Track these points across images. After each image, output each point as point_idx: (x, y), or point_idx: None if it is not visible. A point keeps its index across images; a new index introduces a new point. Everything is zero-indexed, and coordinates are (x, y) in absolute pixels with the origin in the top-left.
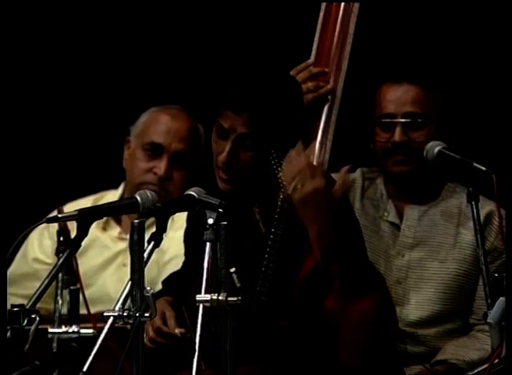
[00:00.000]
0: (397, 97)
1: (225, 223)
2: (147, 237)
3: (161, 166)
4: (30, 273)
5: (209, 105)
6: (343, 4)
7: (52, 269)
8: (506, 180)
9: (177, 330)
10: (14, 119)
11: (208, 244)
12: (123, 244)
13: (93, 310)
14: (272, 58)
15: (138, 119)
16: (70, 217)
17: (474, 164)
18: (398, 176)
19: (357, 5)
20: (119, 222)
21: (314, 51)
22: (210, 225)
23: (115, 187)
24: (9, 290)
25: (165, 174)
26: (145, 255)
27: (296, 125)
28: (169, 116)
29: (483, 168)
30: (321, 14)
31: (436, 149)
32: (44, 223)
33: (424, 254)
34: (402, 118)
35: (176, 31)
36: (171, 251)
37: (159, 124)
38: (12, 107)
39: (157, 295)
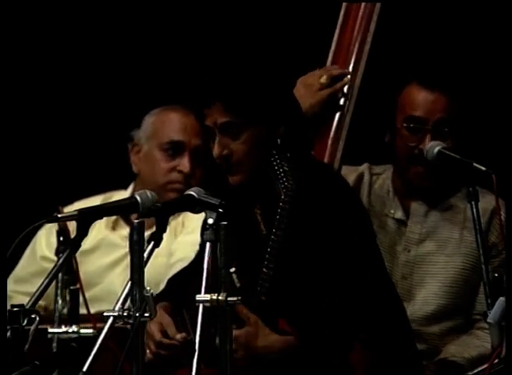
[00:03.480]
0: (430, 102)
1: (225, 223)
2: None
3: (185, 163)
4: (39, 271)
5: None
6: (363, 4)
7: (52, 269)
8: (506, 180)
9: (178, 336)
10: (17, 119)
11: (207, 244)
12: None
13: (99, 308)
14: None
15: (143, 123)
16: (70, 217)
17: (474, 164)
18: (417, 188)
19: (378, 6)
20: (128, 222)
21: (332, 51)
22: (210, 225)
23: (120, 187)
24: (18, 288)
25: (191, 171)
26: (145, 254)
27: (276, 97)
28: (180, 114)
29: (483, 168)
30: (342, 13)
31: (436, 149)
32: (44, 222)
33: (431, 249)
34: (433, 125)
35: (179, 37)
36: (178, 253)
37: (173, 122)
38: (16, 107)
39: (160, 295)
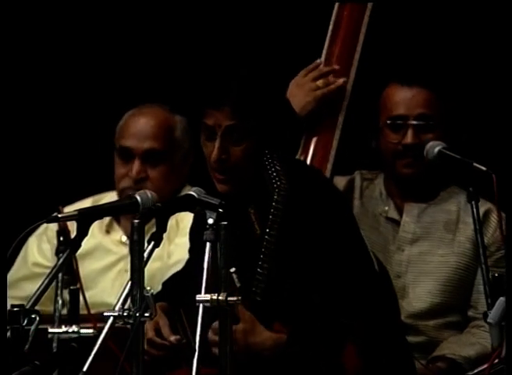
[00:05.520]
0: (408, 99)
1: (225, 223)
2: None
3: (132, 169)
4: (29, 275)
5: (193, 105)
6: (356, 4)
7: (52, 269)
8: (506, 180)
9: (172, 338)
10: (15, 120)
11: (207, 244)
12: (126, 249)
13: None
14: (271, 59)
15: None
16: (70, 217)
17: (474, 164)
18: (406, 178)
19: (370, 6)
20: (122, 226)
21: (324, 51)
22: (210, 225)
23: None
24: (8, 293)
25: (136, 175)
26: (145, 254)
27: (281, 111)
28: (138, 117)
29: (483, 168)
30: (334, 14)
31: (436, 149)
32: (44, 222)
33: (425, 249)
34: (414, 120)
35: (175, 34)
36: (175, 256)
37: (128, 127)
38: (13, 108)
39: (156, 296)
